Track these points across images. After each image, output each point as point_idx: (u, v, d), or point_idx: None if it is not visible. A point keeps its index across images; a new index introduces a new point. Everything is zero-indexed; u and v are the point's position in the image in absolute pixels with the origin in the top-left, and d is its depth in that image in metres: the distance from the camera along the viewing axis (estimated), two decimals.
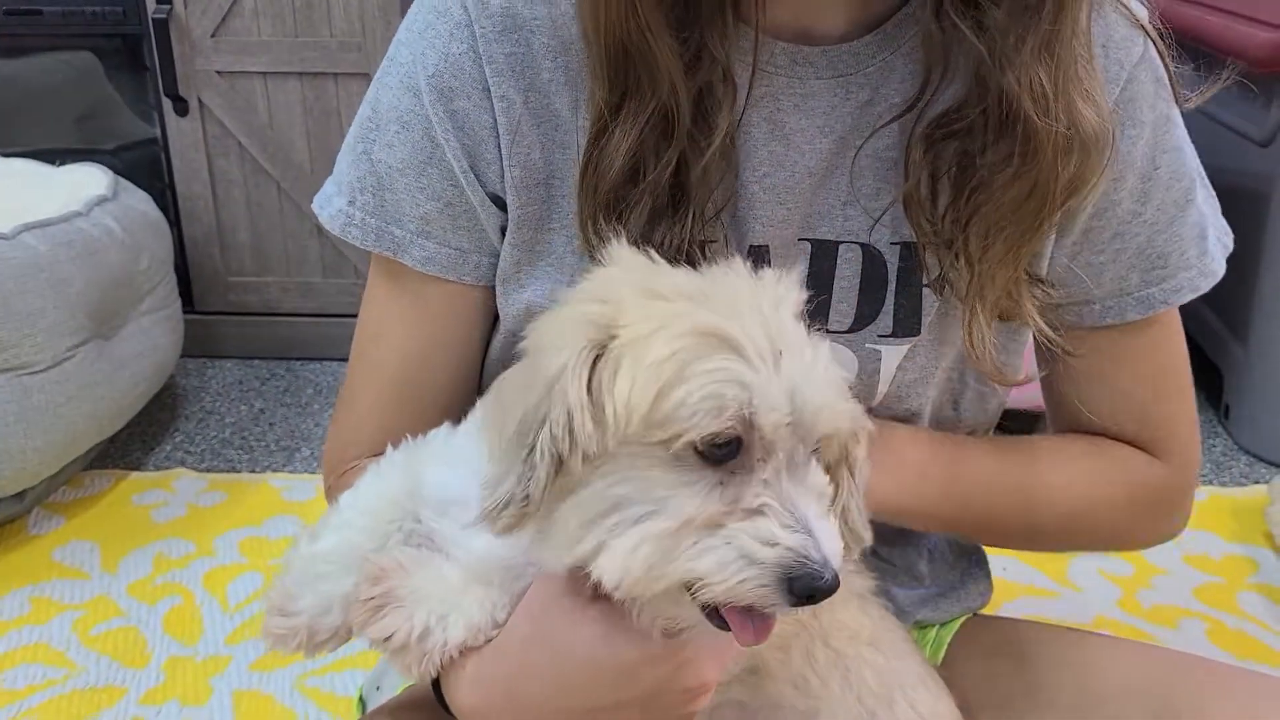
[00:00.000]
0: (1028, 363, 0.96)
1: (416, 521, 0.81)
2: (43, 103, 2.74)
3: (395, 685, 1.02)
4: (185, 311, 2.55)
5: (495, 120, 0.86)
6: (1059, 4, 0.77)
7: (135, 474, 2.24)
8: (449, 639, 0.76)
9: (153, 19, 2.51)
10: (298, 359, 2.74)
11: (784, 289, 0.69)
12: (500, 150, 0.86)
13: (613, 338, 0.65)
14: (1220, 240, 0.94)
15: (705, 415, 0.62)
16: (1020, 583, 1.87)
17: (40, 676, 1.68)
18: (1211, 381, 2.53)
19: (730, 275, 0.69)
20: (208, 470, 2.27)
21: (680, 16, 0.79)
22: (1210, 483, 2.23)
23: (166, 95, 2.58)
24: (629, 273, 0.70)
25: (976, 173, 0.81)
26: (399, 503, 0.82)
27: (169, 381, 2.52)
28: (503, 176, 0.87)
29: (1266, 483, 2.16)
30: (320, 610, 0.80)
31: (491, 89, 0.85)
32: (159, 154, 2.67)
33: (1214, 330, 2.50)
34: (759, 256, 0.87)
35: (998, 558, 1.79)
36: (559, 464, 0.65)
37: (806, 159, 0.86)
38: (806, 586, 0.61)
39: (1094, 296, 0.92)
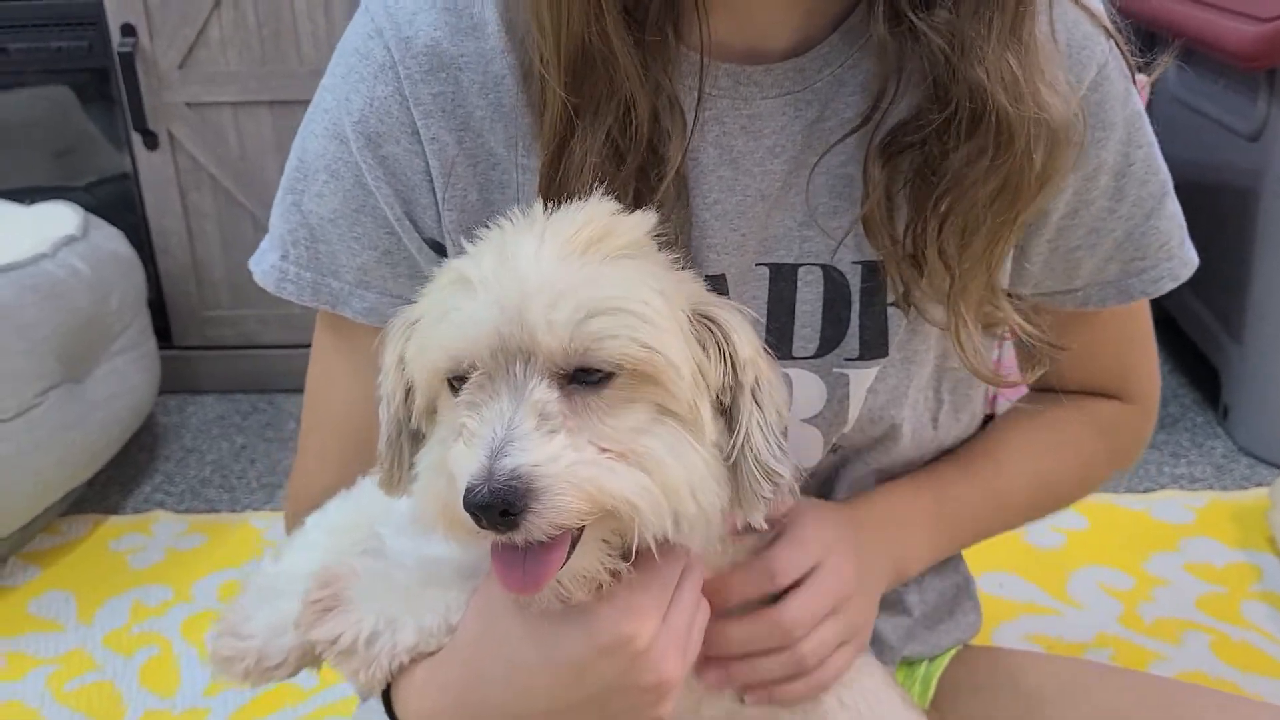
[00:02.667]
0: (1016, 365, 0.96)
1: (380, 542, 0.78)
2: (13, 140, 2.69)
3: None
4: (163, 348, 2.50)
5: (427, 164, 0.82)
6: None
7: (113, 518, 2.19)
8: (398, 642, 0.73)
9: (118, 52, 2.47)
10: (279, 391, 2.69)
11: (561, 220, 0.67)
12: (435, 194, 0.83)
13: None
14: None
15: (431, 355, 0.65)
16: (1019, 601, 1.81)
17: None
18: (1210, 383, 2.49)
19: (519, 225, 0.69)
20: (187, 511, 2.22)
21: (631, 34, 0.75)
22: (1211, 487, 2.18)
23: (135, 129, 2.53)
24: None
25: (943, 178, 0.78)
26: (365, 525, 0.80)
27: (148, 420, 2.48)
28: (439, 221, 0.83)
29: (1268, 485, 2.11)
30: (274, 631, 0.76)
31: (421, 132, 0.81)
32: (132, 189, 2.62)
33: (1210, 331, 2.46)
34: (716, 285, 0.83)
35: (994, 574, 1.76)
36: (408, 431, 0.71)
37: (758, 182, 0.82)
38: (468, 501, 0.59)
39: (1074, 286, 0.92)
